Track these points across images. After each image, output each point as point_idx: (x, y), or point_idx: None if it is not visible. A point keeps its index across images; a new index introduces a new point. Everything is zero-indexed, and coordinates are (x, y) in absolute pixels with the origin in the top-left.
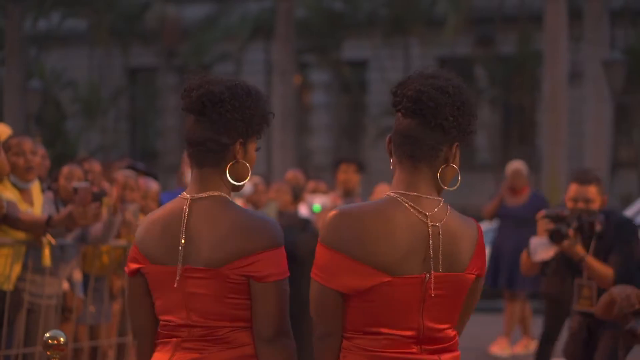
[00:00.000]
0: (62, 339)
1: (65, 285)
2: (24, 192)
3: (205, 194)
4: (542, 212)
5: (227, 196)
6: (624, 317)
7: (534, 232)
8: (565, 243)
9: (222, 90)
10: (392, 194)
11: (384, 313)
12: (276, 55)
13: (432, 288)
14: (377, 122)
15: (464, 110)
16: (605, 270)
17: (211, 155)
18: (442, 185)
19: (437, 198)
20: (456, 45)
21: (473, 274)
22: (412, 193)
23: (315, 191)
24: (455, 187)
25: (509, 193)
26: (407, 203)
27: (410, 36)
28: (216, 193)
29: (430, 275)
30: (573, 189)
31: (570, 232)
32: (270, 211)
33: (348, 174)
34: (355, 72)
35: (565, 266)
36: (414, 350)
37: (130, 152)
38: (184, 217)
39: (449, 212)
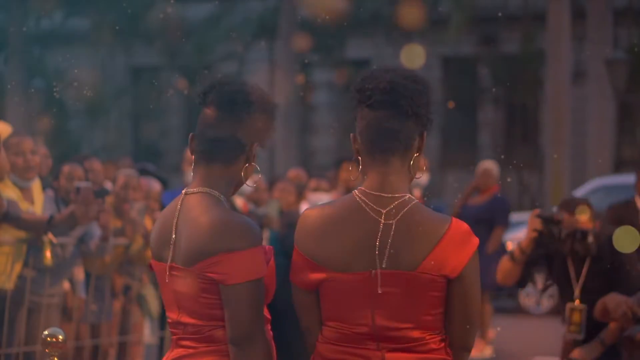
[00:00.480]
0: (60, 337)
1: (66, 285)
2: (24, 190)
3: (196, 189)
4: (537, 211)
5: (219, 194)
6: (624, 322)
7: (484, 235)
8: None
9: (251, 91)
10: (354, 192)
11: (336, 308)
12: (279, 54)
13: (380, 285)
14: None
15: (429, 99)
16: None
17: (225, 153)
18: (414, 175)
19: (403, 194)
20: (459, 44)
21: (430, 274)
22: (375, 193)
23: (317, 189)
24: (421, 177)
25: (477, 192)
26: (363, 201)
27: (413, 35)
28: (207, 189)
29: (376, 272)
30: (565, 217)
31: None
32: (272, 210)
33: (350, 173)
34: (359, 71)
35: (560, 289)
36: (370, 347)
37: (133, 152)
38: (177, 213)
39: (411, 208)
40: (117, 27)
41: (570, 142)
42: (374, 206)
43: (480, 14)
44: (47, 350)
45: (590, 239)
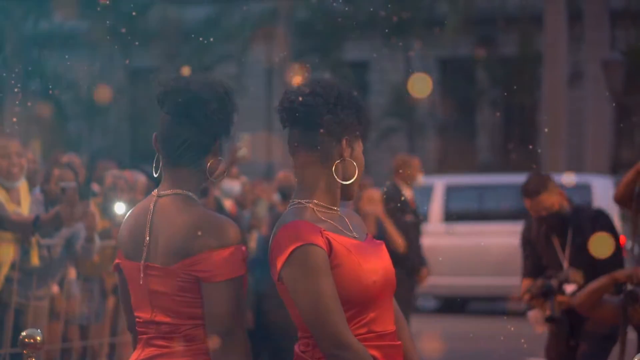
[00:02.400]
0: (38, 338)
1: (55, 289)
2: (10, 192)
3: (169, 191)
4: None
5: (193, 195)
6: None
7: None
8: (563, 300)
9: (205, 90)
10: None
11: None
12: (277, 56)
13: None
14: (377, 123)
15: (342, 105)
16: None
17: (188, 156)
18: (339, 180)
19: (296, 201)
20: (457, 46)
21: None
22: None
23: None
24: (352, 181)
25: None
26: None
27: (411, 37)
28: (180, 191)
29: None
30: (527, 204)
31: (556, 283)
32: (260, 209)
33: None
34: (356, 73)
35: (564, 328)
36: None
37: (132, 153)
38: (149, 214)
39: (285, 211)
40: (115, 30)
41: (567, 143)
42: None
43: (477, 15)
44: (24, 352)
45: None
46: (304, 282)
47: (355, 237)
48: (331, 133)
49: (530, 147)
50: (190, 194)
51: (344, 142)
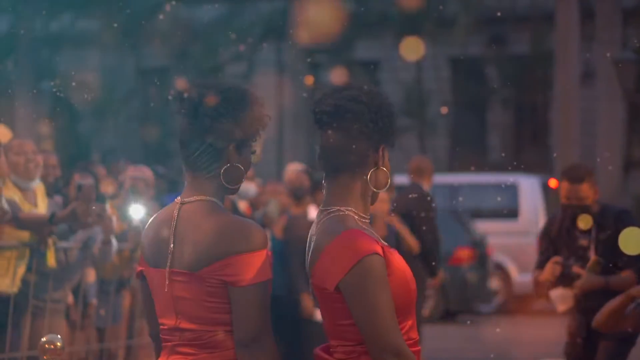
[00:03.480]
0: (58, 344)
1: (70, 299)
2: (26, 192)
3: (193, 198)
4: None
5: (217, 201)
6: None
7: None
8: (582, 283)
9: (214, 95)
10: None
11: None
12: (288, 56)
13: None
14: None
15: (382, 114)
16: (628, 277)
17: (205, 159)
18: (374, 188)
19: (336, 208)
20: (468, 45)
21: (319, 286)
22: (320, 208)
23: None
24: (386, 189)
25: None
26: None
27: (421, 36)
28: (204, 197)
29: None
30: (565, 187)
31: (577, 269)
32: (272, 209)
33: None
34: (367, 72)
35: (582, 328)
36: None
37: (143, 153)
38: (174, 221)
39: (324, 222)
40: (125, 29)
41: (579, 142)
42: (315, 219)
43: (488, 14)
44: (45, 357)
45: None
46: (371, 291)
47: (386, 245)
48: (371, 140)
49: (543, 146)
50: (214, 199)
51: (380, 150)
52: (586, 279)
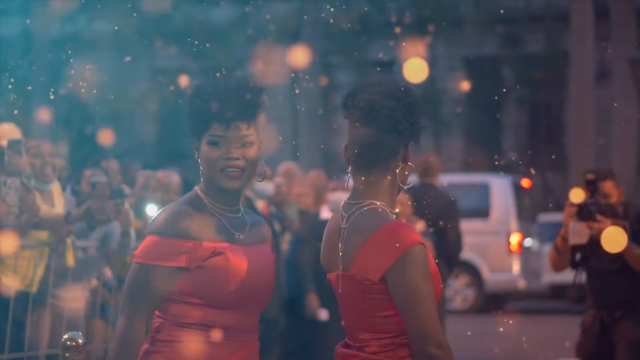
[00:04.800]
0: (80, 341)
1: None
2: (44, 193)
3: (360, 201)
4: (567, 203)
5: (382, 203)
6: None
7: None
8: (599, 225)
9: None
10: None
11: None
12: (302, 56)
13: (339, 286)
14: None
15: (413, 111)
16: None
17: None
18: (402, 185)
19: (369, 201)
20: (482, 45)
21: (359, 277)
22: (350, 201)
23: (335, 189)
24: (411, 185)
25: None
26: (342, 209)
27: (436, 36)
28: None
29: (338, 273)
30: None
31: (599, 216)
32: (291, 212)
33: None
34: (381, 72)
35: (595, 327)
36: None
37: (157, 154)
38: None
39: (362, 213)
40: (140, 30)
41: (594, 142)
42: (343, 212)
43: (502, 14)
44: (67, 355)
45: (620, 208)
46: (417, 281)
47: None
48: (402, 137)
49: (558, 146)
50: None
51: (409, 146)
52: (605, 224)
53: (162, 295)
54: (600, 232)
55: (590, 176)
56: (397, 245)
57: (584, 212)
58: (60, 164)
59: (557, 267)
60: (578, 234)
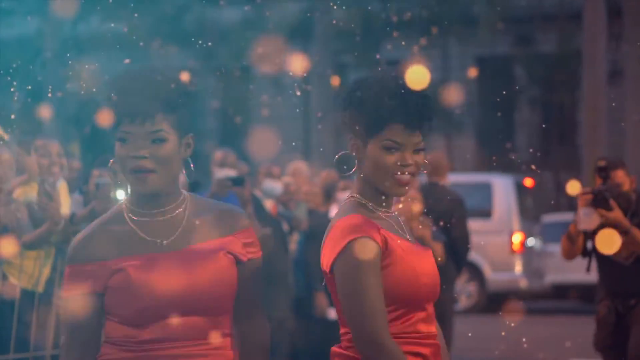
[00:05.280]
0: None
1: None
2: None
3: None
4: (582, 190)
5: (360, 197)
6: None
7: None
8: (610, 213)
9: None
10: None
11: None
12: (314, 56)
13: None
14: None
15: (432, 105)
16: None
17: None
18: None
19: (350, 195)
20: (495, 44)
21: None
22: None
23: (345, 189)
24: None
25: None
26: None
27: (448, 36)
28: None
29: None
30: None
31: (612, 202)
32: (300, 212)
33: None
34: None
35: (611, 320)
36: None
37: None
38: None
39: (340, 206)
40: (152, 31)
41: (607, 141)
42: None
43: (515, 13)
44: None
45: (633, 195)
46: (354, 275)
47: (408, 239)
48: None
49: (571, 145)
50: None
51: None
52: (615, 212)
53: (86, 322)
54: (613, 221)
55: (602, 163)
56: (341, 238)
57: (598, 199)
58: (74, 165)
59: (568, 255)
60: (588, 219)
